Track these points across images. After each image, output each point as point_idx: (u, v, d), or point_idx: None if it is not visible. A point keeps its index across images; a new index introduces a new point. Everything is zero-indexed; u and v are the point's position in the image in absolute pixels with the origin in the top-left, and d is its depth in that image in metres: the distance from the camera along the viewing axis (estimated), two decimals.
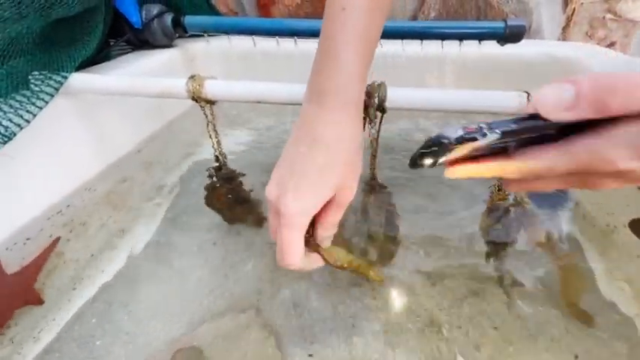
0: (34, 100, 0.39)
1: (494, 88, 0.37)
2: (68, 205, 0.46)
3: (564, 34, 0.75)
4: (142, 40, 0.64)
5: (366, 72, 0.30)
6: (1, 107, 0.38)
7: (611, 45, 0.75)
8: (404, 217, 0.45)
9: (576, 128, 0.18)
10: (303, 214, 0.27)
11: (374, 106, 0.36)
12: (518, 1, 0.72)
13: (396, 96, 0.36)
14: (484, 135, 0.18)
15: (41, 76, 0.41)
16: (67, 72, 0.43)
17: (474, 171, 0.21)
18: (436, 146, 0.19)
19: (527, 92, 0.35)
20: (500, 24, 0.55)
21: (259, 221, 0.46)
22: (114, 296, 0.38)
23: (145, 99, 0.43)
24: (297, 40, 0.64)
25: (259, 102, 0.40)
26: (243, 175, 0.48)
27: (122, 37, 0.62)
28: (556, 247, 0.41)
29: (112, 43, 0.62)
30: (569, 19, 0.73)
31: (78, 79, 0.43)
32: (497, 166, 0.20)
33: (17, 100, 0.39)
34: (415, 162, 0.23)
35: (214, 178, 0.47)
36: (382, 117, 0.38)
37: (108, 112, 0.54)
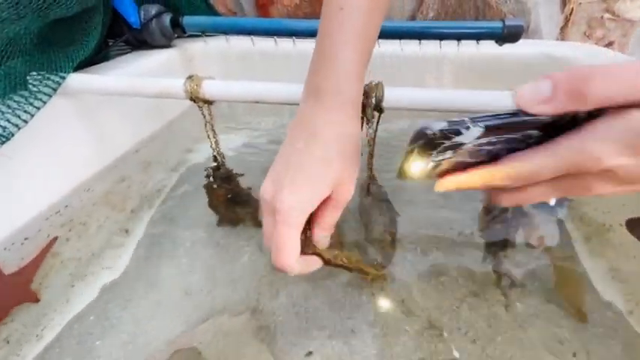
0: (32, 100, 0.39)
1: (492, 88, 0.37)
2: (66, 206, 0.46)
3: (562, 33, 0.76)
4: (140, 41, 0.64)
5: (364, 71, 0.30)
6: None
7: (610, 45, 0.75)
8: (402, 217, 0.45)
9: (562, 131, 0.18)
10: (299, 210, 0.26)
11: (371, 106, 0.36)
12: (517, 1, 0.72)
13: (393, 96, 0.36)
14: (467, 128, 0.18)
15: (39, 77, 0.41)
16: (65, 72, 0.43)
17: (463, 180, 0.22)
18: (421, 139, 0.19)
19: None
20: (498, 24, 0.55)
21: (258, 221, 0.47)
22: (113, 296, 0.38)
23: (144, 99, 0.43)
24: (296, 40, 0.64)
25: (257, 102, 0.40)
26: (242, 175, 0.48)
27: (121, 38, 0.62)
28: (553, 247, 0.41)
29: (110, 44, 0.62)
30: (567, 19, 0.73)
31: (76, 80, 0.43)
32: (485, 173, 0.21)
33: (15, 101, 0.39)
34: (401, 171, 0.23)
35: (212, 178, 0.47)
36: (379, 117, 0.38)
37: (106, 113, 0.54)
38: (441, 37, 0.58)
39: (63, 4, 0.41)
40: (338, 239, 0.33)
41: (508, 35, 0.55)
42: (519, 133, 0.19)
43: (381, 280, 0.38)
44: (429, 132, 0.19)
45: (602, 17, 0.72)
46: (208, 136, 0.43)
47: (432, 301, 0.37)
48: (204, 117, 0.42)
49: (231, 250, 0.43)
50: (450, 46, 0.62)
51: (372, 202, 0.45)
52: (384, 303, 0.37)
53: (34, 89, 0.41)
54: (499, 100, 0.36)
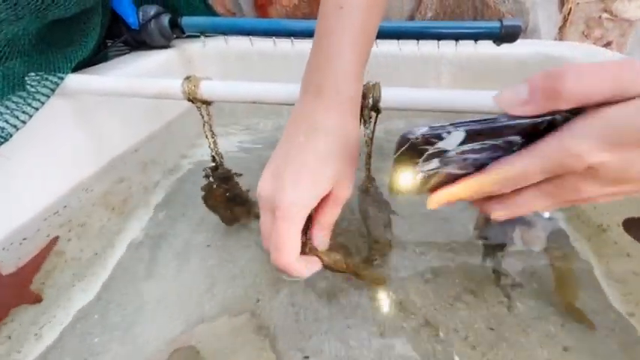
0: (30, 101, 0.39)
1: (490, 88, 0.38)
2: (65, 206, 0.46)
3: (561, 33, 0.76)
4: (139, 41, 0.64)
5: (363, 70, 0.30)
6: None
7: (608, 44, 0.75)
8: (399, 216, 0.45)
9: (542, 136, 0.18)
10: (301, 206, 0.26)
11: (368, 106, 0.36)
12: (515, 1, 0.72)
13: (390, 96, 0.36)
14: (448, 132, 0.19)
15: (37, 77, 0.41)
16: (63, 73, 0.43)
17: (453, 193, 0.22)
18: (404, 144, 0.20)
19: None
20: (495, 24, 0.55)
21: (256, 221, 0.47)
22: (112, 296, 0.39)
23: (142, 100, 0.44)
24: (294, 40, 0.64)
25: (255, 102, 0.40)
26: (240, 175, 0.48)
27: (119, 38, 0.62)
28: (550, 247, 0.42)
29: (109, 44, 0.63)
30: (565, 19, 0.73)
31: (74, 80, 0.43)
32: (474, 182, 0.21)
33: (13, 102, 0.39)
34: (392, 185, 0.23)
35: (211, 179, 0.47)
36: (377, 117, 0.38)
37: (105, 113, 0.54)
38: (439, 37, 0.58)
39: (61, 5, 0.41)
40: (336, 243, 0.33)
41: (506, 35, 0.55)
42: (501, 139, 0.19)
43: (379, 285, 0.38)
44: (411, 136, 0.19)
45: (600, 17, 0.73)
46: (206, 137, 0.43)
47: (429, 300, 0.37)
48: (203, 117, 0.42)
49: (230, 250, 0.44)
50: (448, 46, 0.62)
51: (370, 202, 0.45)
52: (382, 303, 0.37)
53: (33, 90, 0.41)
54: None
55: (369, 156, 0.41)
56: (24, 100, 0.39)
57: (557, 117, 0.18)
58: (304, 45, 0.64)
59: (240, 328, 0.35)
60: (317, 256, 0.29)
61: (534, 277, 0.39)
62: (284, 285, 0.39)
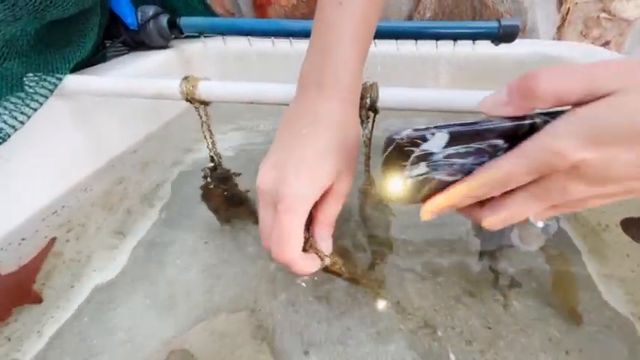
0: (28, 101, 0.40)
1: (489, 88, 0.38)
2: (63, 206, 0.46)
3: (559, 33, 0.76)
4: (137, 42, 0.64)
5: (363, 64, 0.30)
6: None
7: (606, 44, 0.75)
8: (397, 217, 0.46)
9: (525, 139, 0.19)
10: (305, 198, 0.25)
11: (366, 106, 0.36)
12: (513, 1, 0.72)
13: (387, 96, 0.37)
14: (432, 134, 0.19)
15: (36, 78, 0.41)
16: (61, 74, 0.43)
17: (444, 199, 0.23)
18: (390, 145, 0.20)
19: None
20: (494, 24, 0.55)
21: (255, 221, 0.47)
22: (110, 296, 0.39)
23: (141, 100, 0.44)
24: (293, 40, 0.64)
25: (253, 103, 0.40)
26: (239, 175, 0.49)
27: (118, 39, 0.62)
28: (548, 246, 0.42)
29: (107, 45, 0.63)
30: (563, 19, 0.73)
31: (72, 81, 0.44)
32: (463, 186, 0.21)
33: (12, 102, 0.39)
34: (382, 190, 0.24)
35: (209, 179, 0.47)
36: (375, 117, 0.38)
37: (104, 113, 0.54)
38: (438, 37, 0.58)
39: (59, 5, 0.41)
40: (336, 245, 0.33)
41: (504, 35, 0.55)
42: (485, 142, 0.19)
43: (377, 291, 0.38)
44: (396, 137, 0.20)
45: (598, 17, 0.73)
46: (205, 137, 0.43)
47: (427, 300, 0.37)
48: (201, 118, 0.42)
49: (228, 249, 0.44)
50: (446, 46, 0.62)
51: (370, 203, 0.46)
52: (380, 303, 0.37)
53: (31, 90, 0.41)
54: None
55: (367, 157, 0.41)
56: (22, 101, 0.40)
57: (538, 120, 0.18)
58: (303, 45, 0.64)
59: (238, 329, 0.35)
60: (318, 254, 0.29)
61: (532, 276, 0.39)
62: (282, 285, 0.39)
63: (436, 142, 0.20)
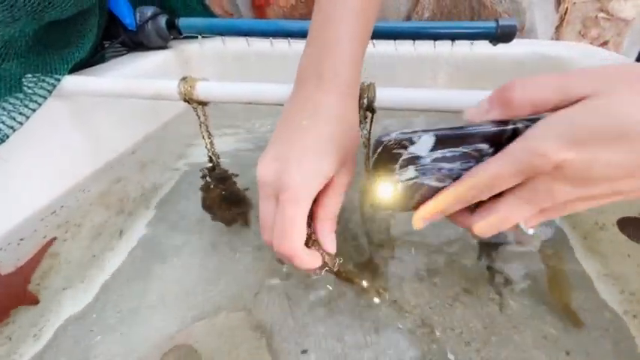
0: (27, 102, 0.40)
1: (487, 87, 0.38)
2: (62, 206, 0.46)
3: (557, 33, 0.76)
4: (136, 42, 0.64)
5: (362, 56, 0.30)
6: None
7: (604, 44, 0.76)
8: (397, 217, 0.46)
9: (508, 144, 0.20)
10: (307, 188, 0.25)
11: (363, 106, 0.36)
12: (512, 1, 0.72)
13: (385, 96, 0.37)
14: (419, 136, 0.20)
15: (34, 79, 0.42)
16: (60, 74, 0.43)
17: (434, 206, 0.23)
18: (379, 146, 0.21)
19: None
20: (491, 24, 0.55)
21: (254, 220, 0.47)
22: (109, 295, 0.39)
23: (139, 101, 0.44)
24: (291, 41, 0.64)
25: (251, 103, 0.41)
26: (237, 175, 0.49)
27: (117, 39, 0.63)
28: (544, 246, 0.42)
29: (106, 45, 0.63)
30: (562, 19, 0.73)
31: (71, 82, 0.44)
32: (451, 191, 0.22)
33: (10, 103, 0.39)
34: (373, 195, 0.24)
35: (208, 179, 0.47)
36: (372, 117, 0.38)
37: (102, 114, 0.54)
38: (436, 37, 0.58)
39: (58, 6, 0.41)
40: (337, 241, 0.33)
41: (502, 35, 0.55)
42: (471, 146, 0.20)
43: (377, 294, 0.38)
44: (384, 139, 0.20)
45: (596, 17, 0.73)
46: (203, 137, 0.44)
47: (425, 299, 0.37)
48: (199, 118, 0.42)
49: (227, 249, 0.44)
50: (444, 46, 0.62)
51: (368, 202, 0.46)
52: (379, 302, 0.37)
53: (29, 91, 0.41)
54: None
55: (367, 157, 0.41)
56: (21, 102, 0.40)
57: (520, 125, 0.19)
58: (301, 45, 0.63)
59: (237, 326, 0.35)
60: (320, 251, 0.28)
61: (528, 275, 0.39)
62: (281, 284, 0.39)
63: (423, 145, 0.20)
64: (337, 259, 0.30)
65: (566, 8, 0.72)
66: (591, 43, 0.76)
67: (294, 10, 0.83)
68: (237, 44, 0.70)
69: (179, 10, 0.69)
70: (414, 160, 0.21)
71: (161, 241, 0.45)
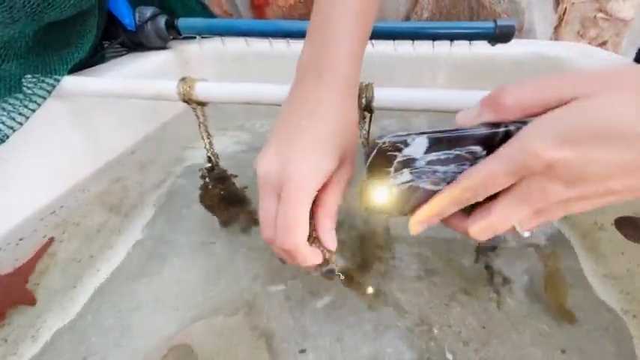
0: (26, 103, 0.40)
1: (486, 87, 0.38)
2: (62, 206, 0.47)
3: (556, 33, 0.76)
4: (135, 43, 0.64)
5: (362, 54, 0.31)
6: None
7: (603, 44, 0.76)
8: (396, 218, 0.46)
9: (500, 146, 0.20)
10: (309, 183, 0.25)
11: (361, 106, 0.36)
12: (510, 1, 0.72)
13: (383, 96, 0.37)
14: (413, 139, 0.21)
15: (34, 80, 0.42)
16: (59, 75, 0.43)
17: (429, 208, 0.24)
18: (374, 148, 0.21)
19: None
20: (490, 24, 0.55)
21: (253, 221, 0.47)
22: (108, 295, 0.39)
23: (139, 101, 0.44)
24: (290, 41, 0.64)
25: (249, 103, 0.41)
26: (236, 176, 0.49)
27: (116, 40, 0.63)
28: (544, 246, 0.42)
29: (106, 46, 0.63)
30: (560, 19, 0.74)
31: (70, 82, 0.44)
32: (447, 194, 0.22)
33: (10, 104, 0.39)
34: (368, 201, 0.24)
35: (207, 179, 0.47)
36: (371, 117, 0.38)
37: (102, 114, 0.54)
38: (434, 37, 0.58)
39: (57, 7, 0.42)
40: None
41: (500, 35, 0.55)
42: (464, 149, 0.21)
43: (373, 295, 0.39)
44: (379, 141, 0.21)
45: (595, 17, 0.73)
46: (202, 138, 0.44)
47: (423, 298, 0.37)
48: (198, 118, 0.42)
49: (225, 249, 0.44)
50: (443, 47, 0.62)
51: None
52: (377, 301, 0.37)
53: (29, 92, 0.41)
54: None
55: (367, 157, 0.41)
56: (20, 102, 0.40)
57: (512, 128, 0.20)
58: (300, 46, 0.64)
59: (236, 326, 0.35)
60: (320, 248, 0.28)
61: (526, 275, 0.39)
62: (280, 284, 0.39)
63: (417, 148, 0.21)
64: (337, 257, 0.30)
65: (565, 8, 0.72)
66: (590, 44, 0.76)
67: (293, 11, 0.83)
68: (236, 44, 0.70)
69: (178, 11, 0.69)
70: (408, 162, 0.22)
71: (160, 241, 0.45)
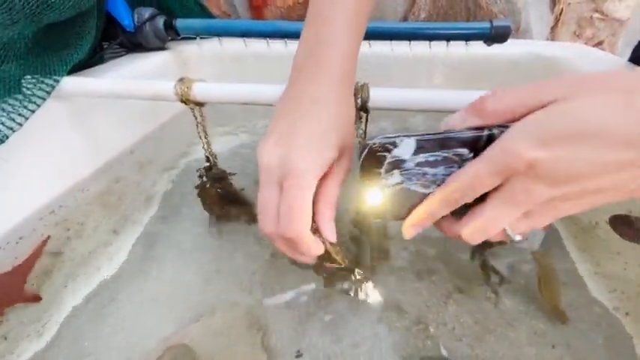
0: (26, 103, 0.40)
1: (483, 87, 0.38)
2: (61, 206, 0.47)
3: (553, 33, 0.76)
4: (134, 43, 0.64)
5: (356, 53, 0.31)
6: None
7: (599, 44, 0.76)
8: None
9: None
10: (312, 171, 0.25)
11: (357, 106, 0.36)
12: (507, 2, 0.72)
13: (379, 96, 0.37)
14: (401, 140, 0.22)
15: (33, 80, 0.42)
16: (59, 76, 0.44)
17: (421, 212, 0.24)
18: (365, 149, 0.22)
19: None
20: (486, 24, 0.56)
21: (251, 220, 0.47)
22: (107, 294, 0.39)
23: (138, 101, 0.44)
24: (288, 42, 0.65)
25: (247, 103, 0.41)
26: (234, 174, 0.49)
27: (115, 41, 0.63)
28: (540, 245, 0.42)
29: (105, 46, 0.63)
30: (557, 19, 0.74)
31: (69, 83, 0.44)
32: (437, 195, 0.23)
33: (10, 104, 0.40)
34: (362, 203, 0.25)
35: (204, 178, 0.47)
36: (367, 117, 0.39)
37: (101, 114, 0.54)
38: (431, 37, 0.59)
39: (56, 8, 0.42)
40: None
41: (496, 36, 0.56)
42: (451, 151, 0.22)
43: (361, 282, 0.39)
44: (369, 142, 0.22)
45: (591, 17, 0.73)
46: (200, 138, 0.44)
47: (420, 297, 0.37)
48: (196, 119, 0.43)
49: (223, 248, 0.44)
50: (440, 47, 0.62)
51: None
52: (374, 300, 0.38)
53: (29, 92, 0.41)
54: None
55: (359, 157, 0.41)
56: (20, 103, 0.40)
57: (495, 131, 0.21)
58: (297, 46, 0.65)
59: (233, 325, 0.35)
60: (321, 238, 0.28)
61: (521, 274, 0.39)
62: (278, 283, 0.39)
63: (405, 149, 0.22)
64: (338, 249, 0.31)
65: (561, 9, 0.73)
66: (586, 44, 0.76)
67: (292, 12, 0.83)
68: (234, 45, 0.70)
69: (177, 11, 0.69)
70: (398, 163, 0.23)
71: (159, 240, 0.46)
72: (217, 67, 0.73)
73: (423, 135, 0.21)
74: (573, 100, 0.18)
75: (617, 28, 0.74)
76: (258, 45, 0.68)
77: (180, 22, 0.63)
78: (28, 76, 0.43)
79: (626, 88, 0.18)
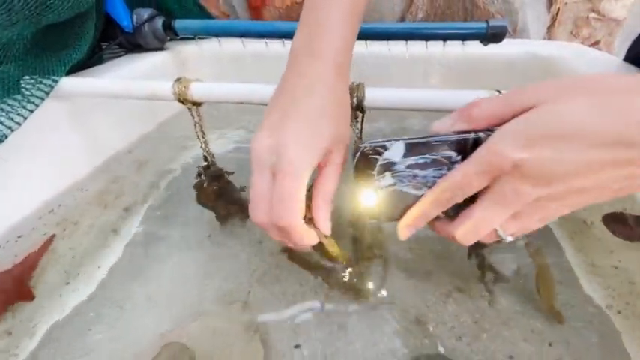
0: (25, 103, 0.41)
1: (480, 87, 0.38)
2: (60, 205, 0.47)
3: (549, 33, 0.77)
4: (133, 44, 0.65)
5: (352, 44, 0.32)
6: None
7: (595, 44, 0.76)
8: None
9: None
10: (306, 160, 0.25)
11: (353, 106, 0.37)
12: (504, 2, 0.73)
13: (375, 96, 0.37)
14: (391, 144, 0.23)
15: (32, 81, 0.42)
16: (57, 76, 0.44)
17: (414, 212, 0.25)
18: (357, 152, 0.23)
19: (498, 91, 0.36)
20: (482, 24, 0.56)
21: (249, 218, 0.47)
22: (106, 293, 0.39)
23: (136, 101, 0.45)
24: (285, 42, 0.65)
25: (243, 103, 0.41)
26: (232, 173, 0.49)
27: (114, 41, 0.63)
28: (531, 242, 0.42)
29: (104, 47, 0.63)
30: (553, 19, 0.74)
31: (68, 83, 0.44)
32: (428, 196, 0.24)
33: (9, 104, 0.40)
34: (357, 204, 0.26)
35: (202, 177, 0.48)
36: (363, 117, 0.39)
37: (100, 114, 0.55)
38: (427, 37, 0.59)
39: (55, 9, 0.42)
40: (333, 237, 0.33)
41: (492, 36, 0.56)
42: (439, 153, 0.23)
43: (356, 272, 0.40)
44: (361, 145, 0.23)
45: (587, 17, 0.74)
46: (198, 137, 0.44)
47: (418, 296, 0.37)
48: (193, 118, 0.43)
49: (222, 246, 0.44)
50: (436, 47, 0.63)
51: None
52: (372, 298, 0.38)
53: (27, 93, 0.42)
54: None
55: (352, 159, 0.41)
56: (19, 103, 0.40)
57: (481, 135, 0.22)
58: None
59: (231, 322, 0.36)
60: (316, 229, 0.28)
61: (518, 273, 0.39)
62: (275, 280, 0.39)
63: (395, 152, 0.23)
64: (333, 241, 0.31)
65: (558, 9, 0.73)
66: (583, 43, 0.76)
67: (290, 12, 0.84)
68: (233, 45, 0.71)
69: (175, 12, 0.69)
70: (389, 166, 0.24)
71: (157, 238, 0.46)
72: (216, 68, 0.73)
73: (412, 139, 0.22)
74: (555, 102, 0.19)
75: (613, 28, 0.74)
76: (256, 45, 0.69)
77: (178, 23, 0.64)
78: (27, 77, 0.43)
79: (606, 90, 0.19)
